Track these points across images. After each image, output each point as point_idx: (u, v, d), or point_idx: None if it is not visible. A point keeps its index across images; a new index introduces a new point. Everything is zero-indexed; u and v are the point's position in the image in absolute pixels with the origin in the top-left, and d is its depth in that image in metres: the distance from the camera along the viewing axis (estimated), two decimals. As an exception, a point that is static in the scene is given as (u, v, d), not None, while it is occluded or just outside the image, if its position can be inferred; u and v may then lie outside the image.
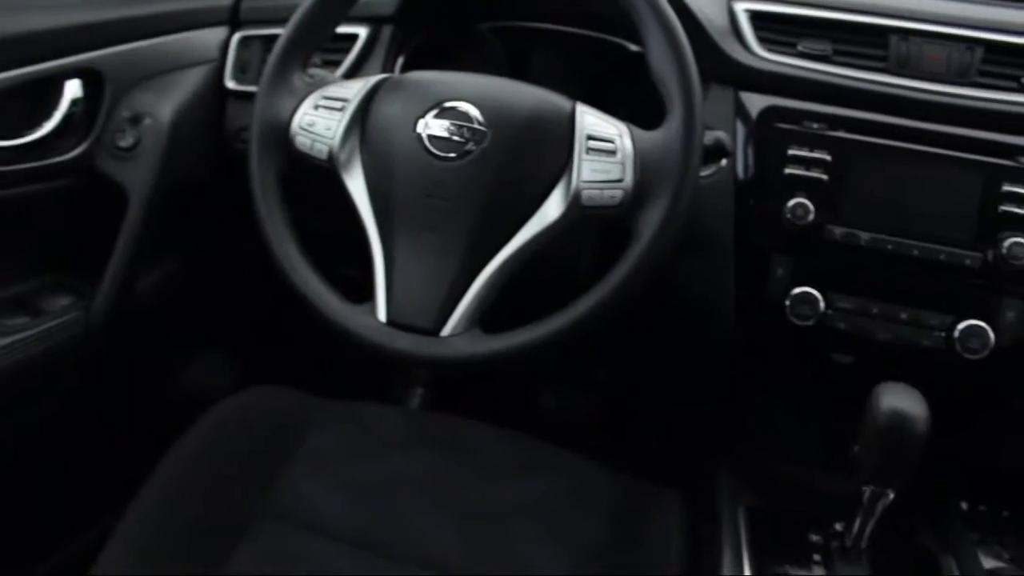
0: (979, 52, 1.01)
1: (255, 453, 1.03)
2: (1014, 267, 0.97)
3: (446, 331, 0.88)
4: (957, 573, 1.03)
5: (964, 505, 1.54)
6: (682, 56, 0.86)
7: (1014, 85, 1.01)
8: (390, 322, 0.89)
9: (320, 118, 0.93)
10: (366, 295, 0.91)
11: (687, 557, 1.01)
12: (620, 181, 0.86)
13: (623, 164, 0.86)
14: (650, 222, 0.85)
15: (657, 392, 1.45)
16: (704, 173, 1.02)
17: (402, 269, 0.89)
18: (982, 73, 1.01)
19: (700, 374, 1.23)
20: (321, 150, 0.92)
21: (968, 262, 0.99)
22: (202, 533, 0.93)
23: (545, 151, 0.88)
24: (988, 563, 1.07)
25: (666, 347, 1.26)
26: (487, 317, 0.90)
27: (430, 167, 0.89)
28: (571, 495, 1.05)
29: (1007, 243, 0.97)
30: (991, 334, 0.99)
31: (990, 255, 0.98)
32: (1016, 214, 0.98)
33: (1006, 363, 1.01)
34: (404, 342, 0.89)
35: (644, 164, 0.86)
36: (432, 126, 0.89)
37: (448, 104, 0.90)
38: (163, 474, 0.98)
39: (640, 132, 0.88)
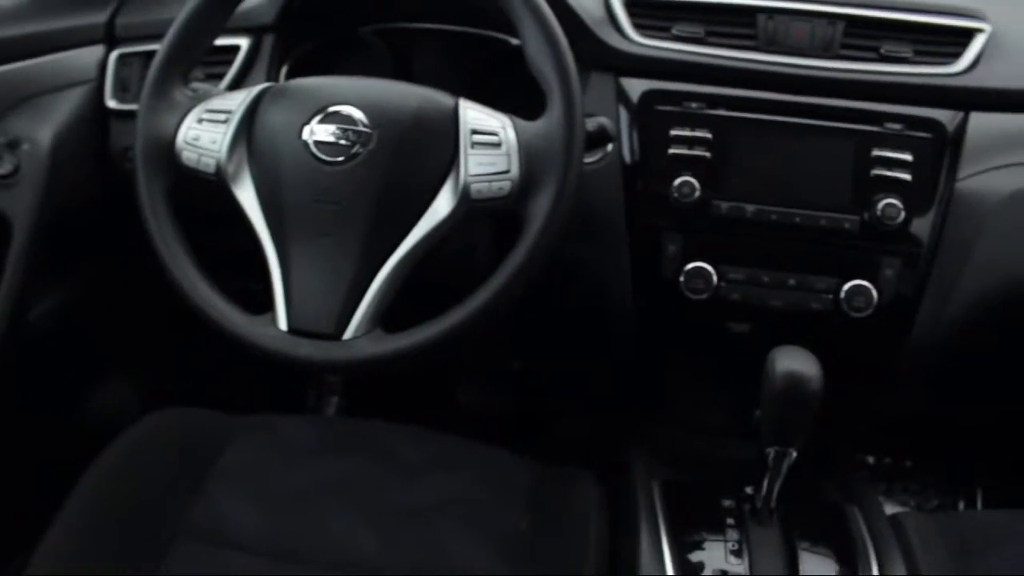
0: (840, 26, 1.06)
1: (170, 475, 1.02)
2: (889, 227, 1.02)
3: (348, 334, 0.88)
4: (861, 521, 1.07)
5: (870, 459, 1.62)
6: (557, 47, 0.88)
7: (874, 56, 1.06)
8: (292, 330, 0.89)
9: (205, 132, 0.92)
10: (267, 306, 0.91)
11: (606, 535, 1.04)
12: (507, 172, 0.88)
13: (508, 156, 0.88)
14: (539, 210, 0.87)
15: (569, 377, 1.48)
16: (590, 159, 1.05)
17: (299, 276, 0.90)
18: (844, 46, 1.06)
19: (605, 356, 1.26)
20: (208, 164, 0.92)
21: (847, 225, 1.04)
22: (122, 561, 0.92)
23: (431, 148, 0.89)
24: (891, 509, 1.12)
25: (571, 332, 1.28)
26: (389, 317, 0.91)
27: (318, 173, 0.89)
28: (489, 486, 1.07)
29: (881, 205, 1.02)
30: (874, 292, 1.04)
31: (866, 217, 1.03)
32: (887, 177, 1.03)
33: (889, 318, 1.06)
34: (307, 349, 0.89)
35: (529, 154, 0.88)
36: (317, 132, 0.90)
37: (332, 109, 0.90)
38: (75, 506, 0.96)
39: (523, 123, 0.89)
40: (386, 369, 0.90)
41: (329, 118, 0.90)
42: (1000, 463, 1.61)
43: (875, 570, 1.00)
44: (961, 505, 1.56)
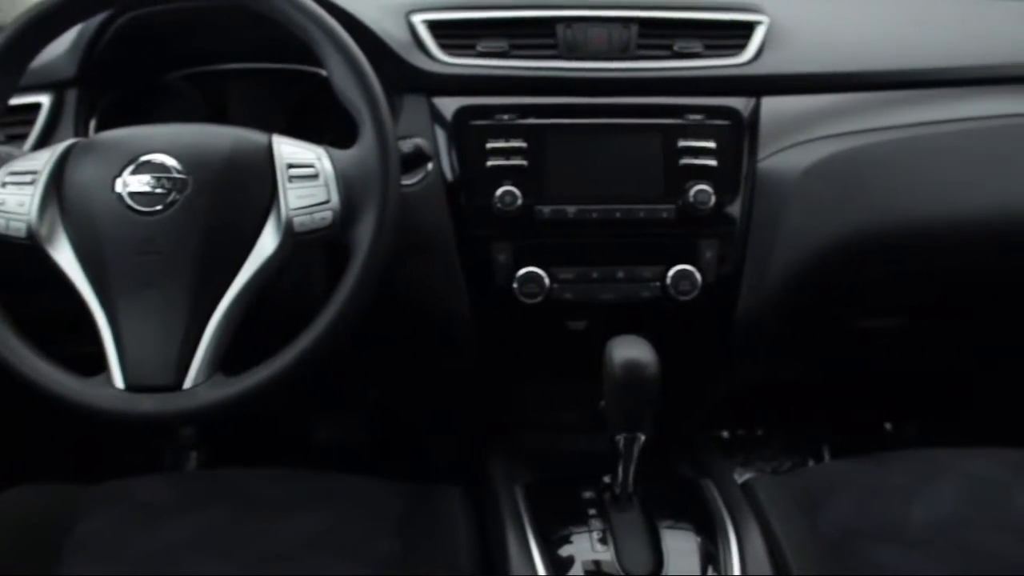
0: (635, 29, 1.12)
1: (21, 557, 0.98)
2: (702, 211, 1.08)
3: (188, 383, 0.87)
4: (716, 492, 1.12)
5: (725, 433, 1.70)
6: (363, 75, 0.90)
7: (669, 53, 1.12)
8: (129, 387, 0.87)
9: (10, 195, 0.89)
10: (103, 367, 0.89)
11: (477, 546, 1.05)
12: (327, 202, 0.89)
13: (327, 186, 0.89)
14: (363, 236, 0.88)
15: (425, 396, 1.49)
16: (410, 180, 1.07)
17: (131, 331, 0.88)
18: (641, 46, 1.12)
19: (454, 370, 1.28)
20: (19, 228, 0.89)
21: (664, 215, 1.09)
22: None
23: (249, 187, 0.89)
24: (742, 477, 1.18)
25: (418, 353, 1.30)
26: (230, 359, 0.90)
27: (137, 224, 0.88)
28: (357, 517, 1.07)
29: (692, 191, 1.08)
30: (697, 275, 1.10)
31: (681, 204, 1.09)
32: (695, 165, 1.09)
33: (714, 297, 1.12)
34: (148, 404, 0.87)
35: (347, 182, 0.89)
36: (131, 183, 0.88)
37: (143, 158, 0.89)
38: None
39: (338, 152, 0.91)
40: (232, 413, 0.89)
41: (141, 168, 0.89)
42: (840, 418, 1.72)
43: (732, 536, 1.05)
44: (811, 463, 1.66)
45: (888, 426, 1.76)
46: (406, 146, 1.05)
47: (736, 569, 1.01)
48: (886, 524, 1.07)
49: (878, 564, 1.02)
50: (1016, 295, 1.38)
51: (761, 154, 1.12)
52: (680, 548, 1.03)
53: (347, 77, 0.90)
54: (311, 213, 0.88)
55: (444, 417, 1.46)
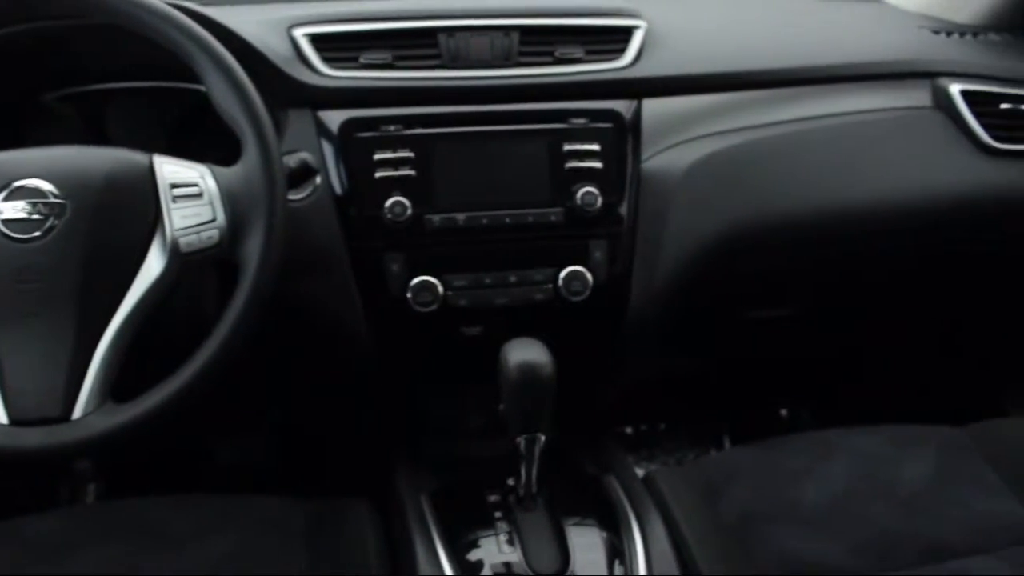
0: (516, 36, 1.14)
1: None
2: (590, 213, 1.10)
3: (77, 413, 0.85)
4: (618, 487, 1.14)
5: (628, 429, 1.73)
6: (243, 91, 0.89)
7: (551, 59, 1.14)
8: (14, 420, 0.84)
9: None
10: None
11: (386, 557, 1.05)
12: (213, 221, 0.88)
13: (212, 204, 0.88)
14: (252, 253, 0.88)
15: (327, 411, 1.48)
16: (298, 195, 1.06)
17: (14, 363, 0.85)
18: (523, 53, 1.14)
19: (354, 383, 1.27)
20: None
21: (553, 218, 1.11)
22: None
23: (131, 209, 0.88)
24: (643, 471, 1.21)
25: (316, 368, 1.29)
26: (122, 386, 0.88)
27: (14, 253, 0.85)
28: (263, 537, 1.05)
29: (579, 194, 1.10)
30: (588, 275, 1.12)
31: (569, 207, 1.11)
32: (581, 168, 1.11)
33: (606, 297, 1.14)
34: (35, 437, 0.84)
35: (232, 200, 0.88)
36: (5, 210, 0.85)
37: (17, 184, 0.86)
38: None
39: (222, 170, 0.90)
40: (127, 441, 0.87)
41: (15, 194, 0.86)
42: (739, 407, 1.78)
43: (636, 529, 1.08)
44: (713, 452, 1.71)
45: (784, 412, 1.82)
46: (292, 161, 1.04)
47: (641, 561, 1.04)
48: (783, 505, 1.11)
49: (777, 544, 1.06)
50: (894, 280, 1.45)
51: (644, 155, 1.15)
52: (586, 544, 1.05)
53: (227, 93, 0.89)
54: (197, 232, 0.87)
55: (347, 430, 1.45)
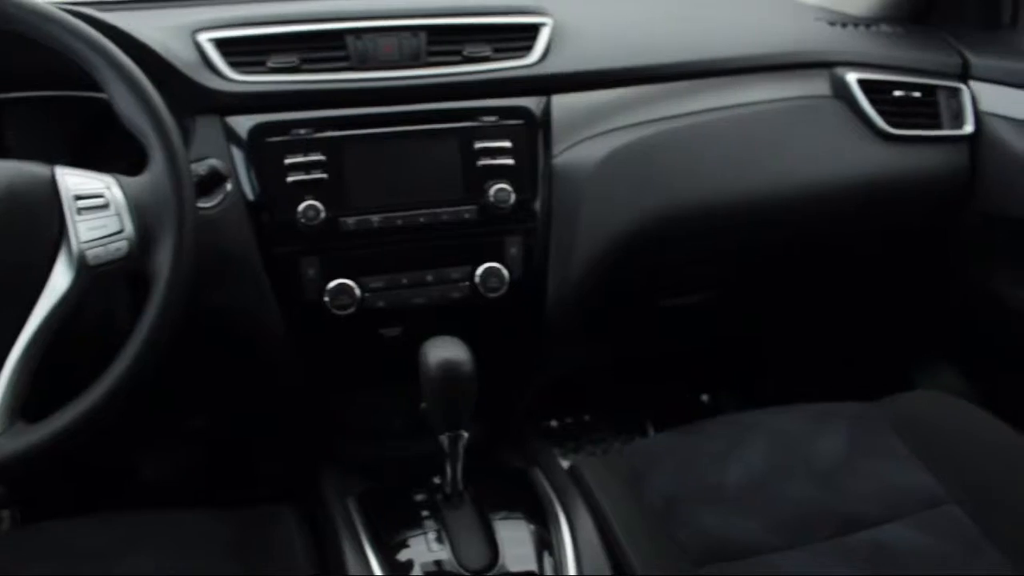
0: (424, 36, 1.14)
1: None
2: (503, 210, 1.12)
3: None
4: (544, 479, 1.16)
5: (554, 423, 1.75)
6: (146, 98, 0.88)
7: (459, 58, 1.15)
8: None
9: None
10: None
11: (316, 564, 1.05)
12: (121, 232, 0.86)
13: (119, 215, 0.86)
14: (163, 264, 0.86)
15: (251, 420, 1.46)
16: (209, 203, 1.05)
17: None
18: (431, 53, 1.14)
19: (276, 390, 1.26)
20: None
21: (467, 216, 1.12)
22: None
23: (34, 223, 0.85)
24: (567, 462, 1.22)
25: (239, 376, 1.27)
26: (31, 406, 0.86)
27: None
28: (190, 551, 1.04)
29: (492, 191, 1.11)
30: (505, 271, 1.13)
31: (483, 204, 1.12)
32: (493, 165, 1.12)
33: (523, 292, 1.16)
34: None
35: (140, 210, 0.87)
36: None
37: None
38: None
39: (128, 180, 0.88)
40: (38, 462, 0.85)
41: None
42: (661, 394, 1.81)
43: (563, 520, 1.09)
44: (638, 440, 1.73)
45: (705, 397, 1.86)
46: (201, 168, 1.03)
47: (569, 551, 1.06)
48: (705, 488, 1.14)
49: (700, 525, 1.08)
50: (801, 263, 1.49)
51: (556, 150, 1.17)
52: (514, 538, 1.06)
53: (130, 102, 0.88)
54: (105, 244, 0.86)
55: (271, 437, 1.44)
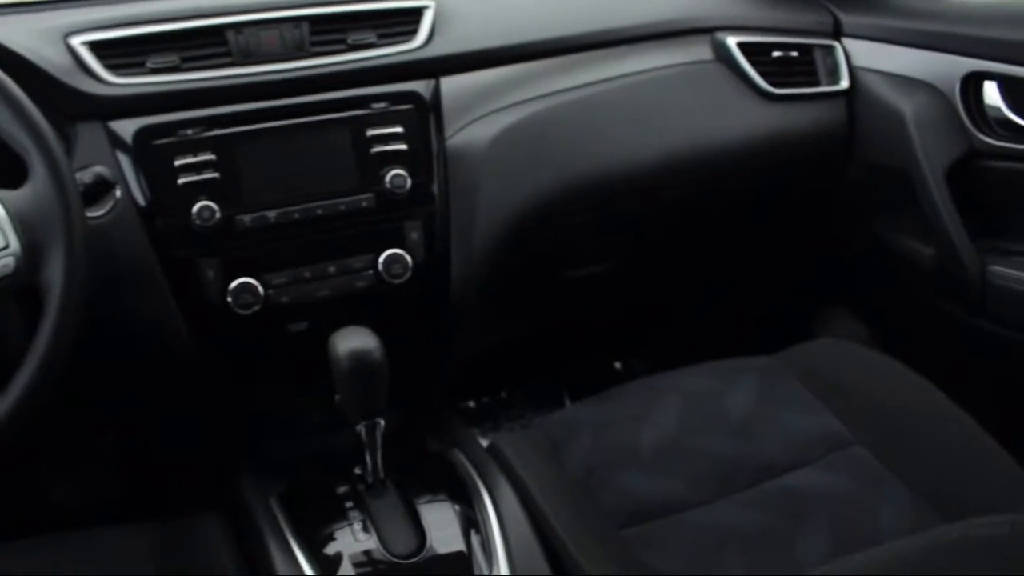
0: (306, 27, 1.12)
1: None
2: (401, 195, 1.12)
3: None
4: (464, 459, 1.17)
5: (471, 403, 1.76)
6: (20, 108, 0.85)
7: (344, 47, 1.14)
8: None
9: None
10: None
11: (243, 567, 1.04)
12: (6, 248, 0.83)
13: (2, 230, 0.83)
14: (54, 278, 0.84)
15: (165, 429, 1.43)
16: (99, 212, 1.02)
17: None
18: (315, 43, 1.12)
19: (187, 396, 1.24)
20: None
21: (365, 204, 1.11)
22: None
23: None
24: (487, 440, 1.24)
25: (147, 386, 1.24)
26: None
27: None
28: (113, 569, 1.02)
29: (388, 177, 1.11)
30: (408, 257, 1.13)
31: (380, 191, 1.11)
32: (387, 151, 1.12)
33: (428, 275, 1.16)
34: None
35: (24, 224, 0.84)
36: None
37: None
38: None
39: (8, 193, 0.85)
40: None
41: None
42: (575, 365, 1.83)
43: (486, 497, 1.10)
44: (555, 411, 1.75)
45: (617, 364, 1.89)
46: (86, 176, 1.00)
47: (495, 527, 1.07)
48: (623, 452, 1.16)
49: (622, 489, 1.11)
50: (698, 226, 1.53)
51: (448, 132, 1.17)
52: (440, 520, 1.07)
53: (3, 113, 0.85)
54: None
55: (187, 445, 1.41)
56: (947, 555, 0.64)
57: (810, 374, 1.28)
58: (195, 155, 1.05)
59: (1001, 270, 1.29)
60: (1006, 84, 1.28)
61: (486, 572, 1.03)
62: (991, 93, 1.30)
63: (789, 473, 1.12)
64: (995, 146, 1.29)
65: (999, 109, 1.29)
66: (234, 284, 1.07)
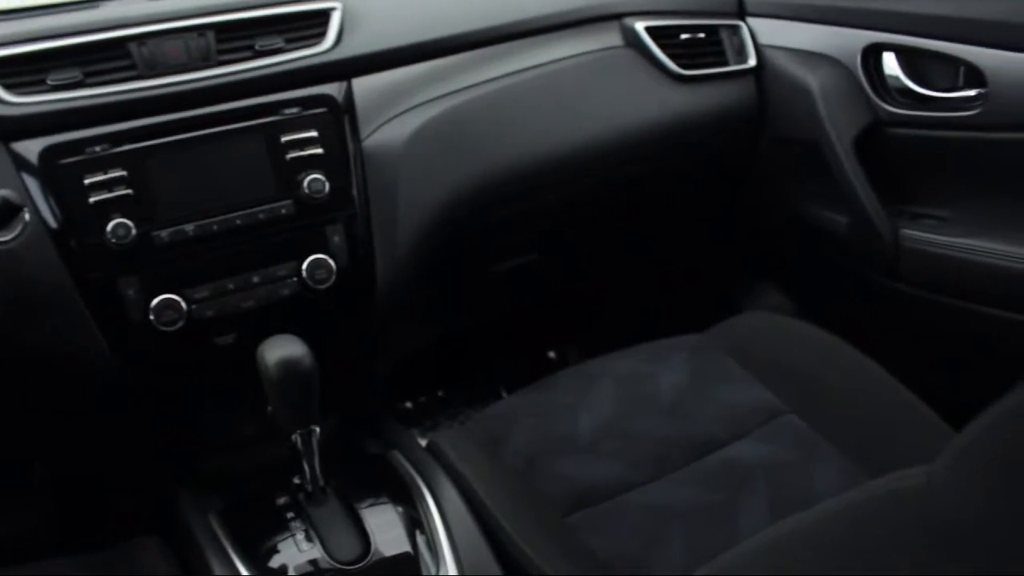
0: (211, 35, 1.10)
1: None
2: (320, 200, 1.10)
3: None
4: (403, 460, 1.17)
5: (408, 404, 1.75)
6: None
7: (252, 53, 1.11)
8: None
9: None
10: None
11: None
12: None
13: None
14: None
15: (96, 455, 1.39)
16: (7, 236, 0.99)
17: None
18: (222, 51, 1.10)
19: (117, 417, 1.21)
20: None
21: (284, 211, 1.10)
22: None
23: None
24: (426, 439, 1.23)
25: (71, 411, 1.21)
26: None
27: None
28: None
29: (306, 182, 1.09)
30: (331, 261, 1.12)
31: (298, 197, 1.10)
32: (303, 156, 1.10)
33: (354, 278, 1.15)
34: None
35: None
36: None
37: None
38: None
39: None
40: None
41: None
42: (510, 357, 1.84)
43: (428, 496, 1.10)
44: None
45: (552, 354, 1.90)
46: None
47: (439, 525, 1.07)
48: (562, 440, 1.17)
49: (563, 476, 1.12)
50: (620, 211, 1.55)
51: (364, 133, 1.16)
52: (383, 523, 1.07)
53: None
54: None
55: (121, 469, 1.38)
56: (871, 508, 0.67)
57: (739, 348, 1.30)
58: (105, 172, 1.02)
59: (912, 233, 1.34)
60: (903, 54, 1.32)
61: (433, 571, 1.03)
62: (890, 64, 1.34)
63: (726, 447, 1.15)
64: (898, 114, 1.33)
65: (899, 79, 1.33)
66: (156, 301, 1.04)
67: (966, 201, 1.32)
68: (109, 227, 1.02)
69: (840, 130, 1.35)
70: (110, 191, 1.02)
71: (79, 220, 1.02)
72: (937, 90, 1.30)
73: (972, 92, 1.25)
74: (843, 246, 1.44)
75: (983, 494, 0.56)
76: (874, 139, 1.36)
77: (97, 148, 1.03)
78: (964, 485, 0.58)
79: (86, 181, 1.02)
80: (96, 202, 1.02)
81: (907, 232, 1.34)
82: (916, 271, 1.35)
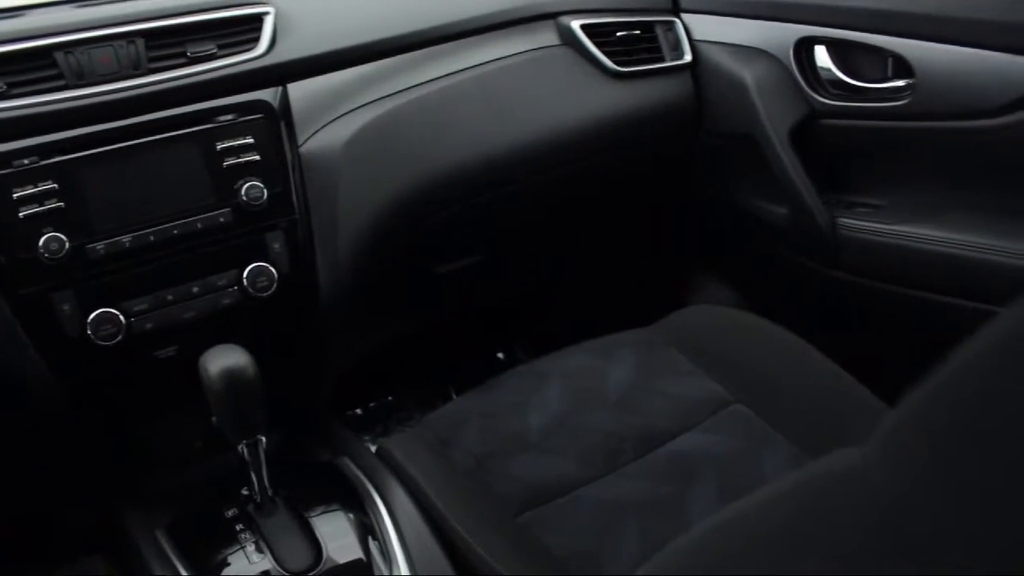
0: (141, 43, 1.07)
1: None
2: (258, 207, 1.09)
3: None
4: (353, 466, 1.16)
5: (359, 411, 1.74)
6: None
7: (184, 60, 1.09)
8: None
9: None
10: None
11: None
12: None
13: None
14: None
15: (39, 477, 1.36)
16: None
17: None
18: (152, 59, 1.07)
19: (56, 438, 1.18)
20: None
21: (223, 219, 1.08)
22: None
23: None
24: (375, 444, 1.23)
25: (11, 434, 1.18)
26: None
27: None
28: None
29: (244, 190, 1.08)
30: (272, 269, 1.11)
31: (236, 205, 1.08)
32: (239, 163, 1.09)
33: (296, 285, 1.14)
34: None
35: None
36: None
37: None
38: None
39: None
40: None
41: None
42: (459, 359, 1.84)
43: (379, 501, 1.10)
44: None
45: (501, 355, 1.91)
46: None
47: (391, 531, 1.06)
48: (512, 438, 1.17)
49: (514, 476, 1.12)
50: (562, 210, 1.55)
51: (301, 138, 1.15)
52: (334, 531, 1.06)
53: None
54: None
55: (64, 489, 1.34)
56: (811, 489, 0.68)
57: (685, 341, 1.31)
58: (35, 185, 1.00)
59: (849, 221, 1.36)
60: (834, 47, 1.35)
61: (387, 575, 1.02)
62: (822, 56, 1.37)
63: (675, 439, 1.16)
64: (831, 105, 1.36)
65: (831, 71, 1.36)
66: (92, 316, 1.02)
67: (899, 188, 1.36)
68: (41, 241, 0.99)
69: (776, 123, 1.37)
70: (40, 204, 1.00)
71: (9, 235, 0.99)
72: (868, 81, 1.33)
73: (901, 83, 1.28)
74: (783, 236, 1.46)
75: (915, 468, 0.57)
76: (809, 131, 1.39)
77: (26, 160, 1.00)
78: (896, 461, 0.60)
79: (15, 195, 0.99)
80: (26, 216, 0.99)
81: (844, 220, 1.37)
82: (853, 259, 1.37)
